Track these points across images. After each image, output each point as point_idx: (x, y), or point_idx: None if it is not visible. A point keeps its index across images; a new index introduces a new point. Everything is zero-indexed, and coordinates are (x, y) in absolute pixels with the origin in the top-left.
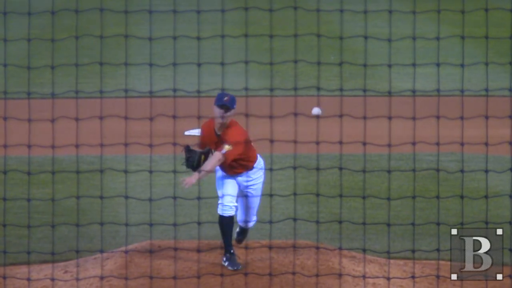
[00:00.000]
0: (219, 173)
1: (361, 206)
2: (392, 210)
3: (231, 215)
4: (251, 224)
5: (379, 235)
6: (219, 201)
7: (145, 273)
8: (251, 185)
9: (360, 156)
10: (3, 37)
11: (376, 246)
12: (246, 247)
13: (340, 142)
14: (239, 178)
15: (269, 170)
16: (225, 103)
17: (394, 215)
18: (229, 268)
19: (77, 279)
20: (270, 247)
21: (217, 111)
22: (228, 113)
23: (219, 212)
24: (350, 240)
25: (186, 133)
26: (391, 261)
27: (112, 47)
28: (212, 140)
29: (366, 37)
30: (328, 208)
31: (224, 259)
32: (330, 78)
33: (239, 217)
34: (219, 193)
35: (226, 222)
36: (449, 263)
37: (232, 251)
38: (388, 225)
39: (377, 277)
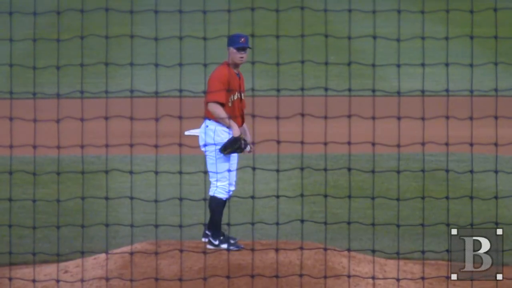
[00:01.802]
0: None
1: (362, 206)
2: (392, 210)
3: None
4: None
5: (379, 235)
6: (219, 182)
7: (145, 273)
8: None
9: (362, 156)
10: (9, 37)
11: (376, 246)
12: (251, 249)
13: (349, 143)
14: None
15: (275, 171)
16: (246, 45)
17: (394, 215)
18: (234, 248)
19: (79, 280)
20: (277, 249)
21: (238, 54)
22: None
23: (218, 195)
24: (350, 240)
25: (186, 133)
26: (391, 261)
27: (117, 47)
28: (237, 83)
29: (374, 37)
30: (328, 208)
31: (224, 244)
32: (330, 78)
33: (232, 180)
34: (222, 172)
35: (223, 204)
36: (449, 263)
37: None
38: (398, 226)
39: (377, 277)
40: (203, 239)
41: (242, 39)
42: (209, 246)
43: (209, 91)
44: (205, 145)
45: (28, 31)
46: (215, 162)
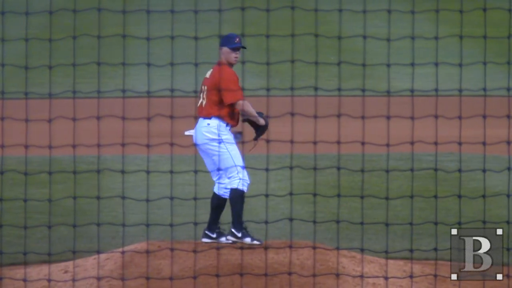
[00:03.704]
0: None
1: (360, 206)
2: (391, 210)
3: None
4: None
5: (379, 235)
6: (240, 175)
7: (144, 273)
8: None
9: (358, 156)
10: (1, 37)
11: (376, 246)
12: (241, 248)
13: (338, 142)
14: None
15: (265, 170)
16: (241, 45)
17: (393, 215)
18: (257, 243)
19: (77, 280)
20: (266, 247)
21: (233, 54)
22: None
23: (240, 187)
24: (349, 240)
25: (186, 133)
26: (391, 261)
27: (109, 47)
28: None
29: (365, 37)
30: (327, 208)
31: (247, 238)
32: (328, 78)
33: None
34: (237, 165)
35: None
36: (449, 263)
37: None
38: (387, 224)
39: (377, 277)
40: (202, 240)
41: (237, 39)
42: (231, 238)
43: (228, 91)
44: (211, 140)
45: (20, 31)
46: (230, 157)
